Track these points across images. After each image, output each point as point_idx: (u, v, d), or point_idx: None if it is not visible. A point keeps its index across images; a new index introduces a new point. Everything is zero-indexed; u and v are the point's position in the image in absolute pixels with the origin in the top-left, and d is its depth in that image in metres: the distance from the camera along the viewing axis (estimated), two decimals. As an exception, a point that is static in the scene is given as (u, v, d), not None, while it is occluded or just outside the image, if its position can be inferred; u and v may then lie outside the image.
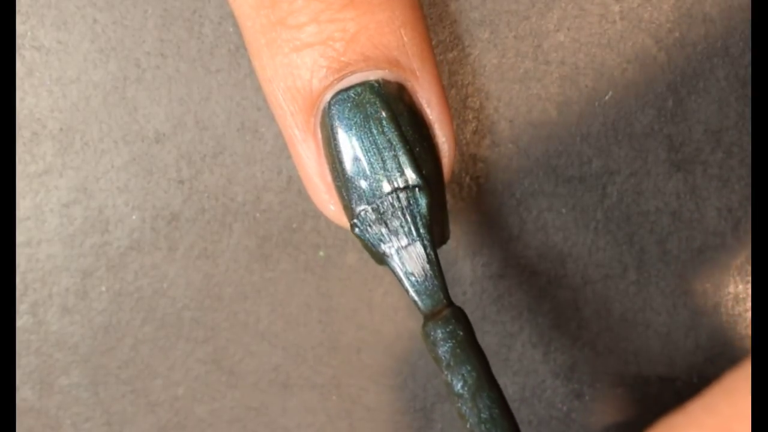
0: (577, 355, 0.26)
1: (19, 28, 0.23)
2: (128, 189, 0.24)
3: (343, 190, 0.21)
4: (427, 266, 0.20)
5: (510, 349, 0.26)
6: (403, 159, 0.20)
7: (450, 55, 0.24)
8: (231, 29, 0.23)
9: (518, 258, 0.25)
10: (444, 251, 0.25)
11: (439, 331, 0.20)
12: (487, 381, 0.20)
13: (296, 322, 0.25)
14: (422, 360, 0.26)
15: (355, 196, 0.21)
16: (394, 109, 0.20)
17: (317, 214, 0.25)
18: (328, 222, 0.25)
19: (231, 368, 0.25)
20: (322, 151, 0.21)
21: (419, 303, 0.21)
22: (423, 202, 0.20)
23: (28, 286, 0.24)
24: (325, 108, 0.20)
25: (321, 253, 0.25)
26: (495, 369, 0.26)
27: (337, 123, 0.20)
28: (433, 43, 0.24)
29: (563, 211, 0.25)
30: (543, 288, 0.25)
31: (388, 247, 0.21)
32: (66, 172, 0.24)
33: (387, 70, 0.20)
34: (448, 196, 0.25)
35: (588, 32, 0.24)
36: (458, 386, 0.20)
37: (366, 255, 0.25)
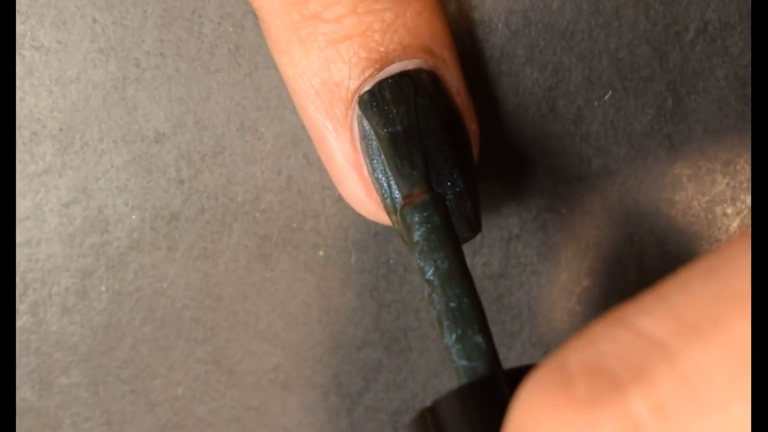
0: (577, 355, 0.26)
1: (19, 28, 0.23)
2: (128, 189, 0.24)
3: (383, 181, 0.21)
4: (414, 151, 0.20)
5: (510, 349, 0.26)
6: (446, 146, 0.20)
7: (450, 55, 0.24)
8: (231, 29, 0.23)
9: (518, 258, 0.25)
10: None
11: (415, 215, 0.20)
12: (458, 270, 0.19)
13: (296, 322, 0.25)
14: (422, 359, 0.26)
15: (396, 186, 0.20)
16: (433, 97, 0.20)
17: (317, 214, 0.25)
18: (328, 222, 0.25)
19: (231, 368, 0.25)
20: (357, 145, 0.21)
21: (400, 184, 0.20)
22: (421, 96, 0.20)
23: (28, 286, 0.24)
24: (364, 99, 0.20)
25: (321, 253, 0.25)
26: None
27: (377, 111, 0.20)
28: (433, 43, 0.24)
29: (563, 211, 0.25)
30: (543, 288, 0.25)
31: (385, 129, 0.20)
32: (66, 172, 0.24)
33: (422, 59, 0.20)
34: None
35: (587, 32, 0.24)
36: (429, 272, 0.19)
37: (366, 255, 0.25)
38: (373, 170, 0.21)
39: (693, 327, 0.13)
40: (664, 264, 0.25)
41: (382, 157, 0.20)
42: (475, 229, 0.21)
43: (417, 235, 0.19)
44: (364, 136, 0.20)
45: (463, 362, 0.18)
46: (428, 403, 0.18)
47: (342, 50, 0.20)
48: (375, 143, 0.20)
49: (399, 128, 0.20)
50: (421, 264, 0.19)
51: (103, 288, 0.25)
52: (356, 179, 0.21)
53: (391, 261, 0.25)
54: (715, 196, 0.25)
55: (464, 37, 0.24)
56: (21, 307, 0.25)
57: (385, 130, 0.20)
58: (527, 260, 0.25)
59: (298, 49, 0.20)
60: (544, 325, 0.26)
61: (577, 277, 0.25)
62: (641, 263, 0.25)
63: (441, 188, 0.20)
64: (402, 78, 0.20)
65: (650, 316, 0.14)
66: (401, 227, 0.20)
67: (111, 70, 0.24)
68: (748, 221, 0.25)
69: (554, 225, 0.25)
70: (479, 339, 0.19)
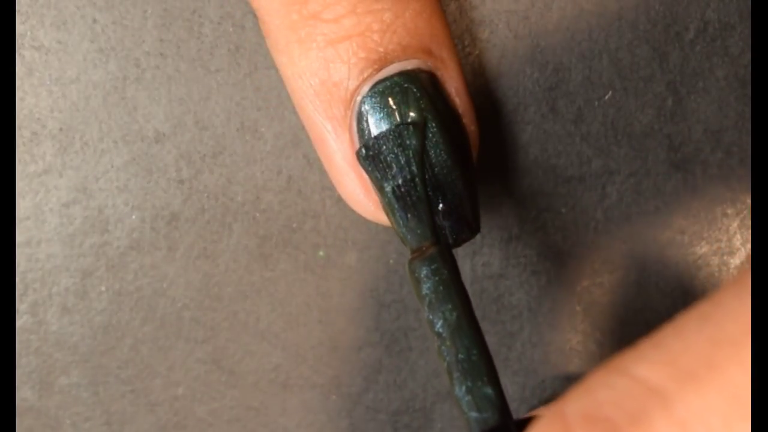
0: (576, 355, 0.26)
1: (19, 28, 0.23)
2: (128, 189, 0.24)
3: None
4: (418, 204, 0.20)
5: (510, 349, 0.26)
6: (442, 147, 0.20)
7: (450, 55, 0.24)
8: (231, 29, 0.23)
9: (518, 258, 0.25)
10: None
11: (423, 268, 0.20)
12: (467, 322, 0.19)
13: (296, 322, 0.25)
14: (422, 359, 0.26)
15: (403, 239, 0.21)
16: (432, 97, 0.20)
17: (317, 214, 0.25)
18: (328, 222, 0.25)
19: (231, 368, 0.25)
20: (356, 145, 0.21)
21: (407, 239, 0.20)
22: (415, 142, 0.20)
23: (28, 286, 0.24)
24: (363, 99, 0.20)
25: (321, 253, 0.25)
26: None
27: (376, 114, 0.20)
28: (433, 43, 0.24)
29: (563, 210, 0.25)
30: (543, 288, 0.25)
31: (386, 183, 0.20)
32: (66, 172, 0.24)
33: (421, 60, 0.20)
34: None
35: (587, 32, 0.24)
36: (438, 325, 0.19)
37: (366, 255, 0.25)
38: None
39: (688, 372, 0.13)
40: (663, 264, 0.25)
41: (387, 208, 0.21)
42: (474, 229, 0.21)
43: (425, 288, 0.20)
44: (363, 135, 0.20)
45: (474, 414, 0.19)
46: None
47: (341, 50, 0.20)
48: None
49: (399, 181, 0.20)
50: (431, 317, 0.20)
51: (103, 288, 0.25)
52: (355, 179, 0.21)
53: (391, 261, 0.25)
54: (715, 196, 0.25)
55: (464, 37, 0.24)
56: (21, 307, 0.25)
57: (386, 184, 0.20)
58: (527, 260, 0.25)
59: (297, 49, 0.20)
60: (544, 325, 0.26)
61: (577, 277, 0.25)
62: (641, 263, 0.25)
63: (441, 190, 0.20)
64: (398, 128, 0.20)
65: (646, 363, 0.14)
66: (410, 280, 0.20)
67: (111, 70, 0.24)
68: (748, 221, 0.25)
69: (554, 225, 0.25)
70: (489, 390, 0.19)
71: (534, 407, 0.26)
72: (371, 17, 0.20)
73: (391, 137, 0.20)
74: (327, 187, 0.24)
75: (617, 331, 0.26)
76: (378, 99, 0.20)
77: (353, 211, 0.22)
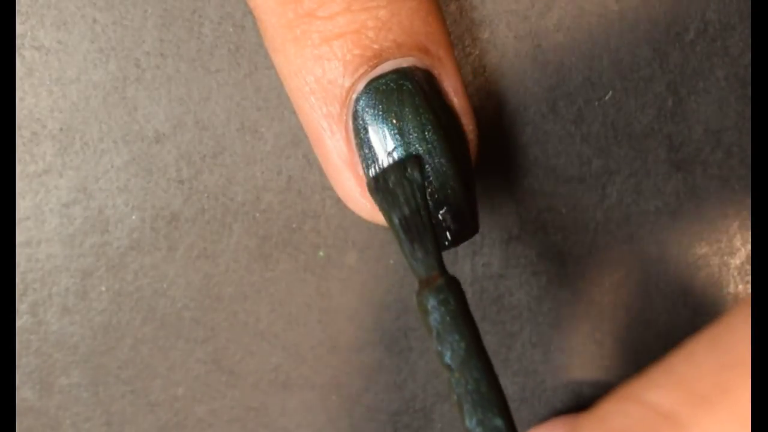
0: (577, 355, 0.26)
1: (19, 28, 0.23)
2: (128, 189, 0.24)
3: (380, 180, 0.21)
4: (424, 234, 0.20)
5: (510, 349, 0.26)
6: (439, 146, 0.20)
7: (450, 55, 0.24)
8: (231, 29, 0.23)
9: (518, 258, 0.25)
10: (444, 251, 0.25)
11: (431, 298, 0.20)
12: (476, 353, 0.19)
13: (296, 322, 0.25)
14: (422, 360, 0.26)
15: (411, 269, 0.20)
16: (428, 95, 0.20)
17: (317, 214, 0.25)
18: (328, 222, 0.25)
19: (231, 368, 0.25)
20: (353, 143, 0.21)
21: (415, 269, 0.20)
22: (417, 174, 0.20)
23: (28, 286, 0.24)
24: (358, 97, 0.20)
25: (321, 253, 0.25)
26: (495, 369, 0.26)
27: (372, 111, 0.20)
28: (433, 43, 0.24)
29: (563, 211, 0.25)
30: (543, 288, 0.25)
31: (394, 215, 0.20)
32: (66, 172, 0.24)
33: (417, 58, 0.20)
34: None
35: (587, 32, 0.24)
36: (447, 356, 0.19)
37: (366, 255, 0.25)
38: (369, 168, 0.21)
39: (701, 397, 0.13)
40: (664, 264, 0.25)
41: (395, 238, 0.21)
42: (473, 228, 0.21)
43: (433, 319, 0.20)
44: (359, 134, 0.20)
45: None
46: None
47: (336, 48, 0.20)
48: (373, 140, 0.20)
49: (407, 212, 0.20)
50: (439, 348, 0.19)
51: (103, 288, 0.25)
52: (351, 178, 0.21)
53: (391, 261, 0.25)
54: (715, 196, 0.25)
55: (465, 37, 0.24)
56: (21, 307, 0.25)
57: (394, 216, 0.20)
58: (527, 260, 0.25)
59: (292, 48, 0.20)
60: (544, 325, 0.26)
61: (577, 277, 0.25)
62: (641, 263, 0.25)
63: (437, 190, 0.20)
64: (404, 161, 0.20)
65: (659, 389, 0.14)
66: (418, 311, 0.20)
67: (111, 70, 0.24)
68: (748, 222, 0.25)
69: (554, 225, 0.25)
70: (499, 422, 0.19)
71: (534, 407, 0.26)
72: (366, 14, 0.20)
73: (397, 169, 0.20)
74: (327, 187, 0.24)
75: (617, 331, 0.26)
76: (373, 97, 0.20)
77: (353, 211, 0.22)
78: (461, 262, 0.25)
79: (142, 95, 0.24)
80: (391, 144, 0.20)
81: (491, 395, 0.19)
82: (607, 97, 0.24)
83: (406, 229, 0.20)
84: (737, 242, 0.25)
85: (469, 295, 0.25)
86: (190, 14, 0.23)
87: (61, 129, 0.24)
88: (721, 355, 0.14)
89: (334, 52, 0.20)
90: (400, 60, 0.20)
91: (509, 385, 0.26)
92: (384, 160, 0.20)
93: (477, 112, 0.24)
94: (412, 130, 0.20)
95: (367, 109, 0.20)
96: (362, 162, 0.21)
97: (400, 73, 0.20)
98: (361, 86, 0.20)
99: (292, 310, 0.25)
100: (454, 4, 0.23)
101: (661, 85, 0.24)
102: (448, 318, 0.19)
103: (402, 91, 0.20)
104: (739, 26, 0.24)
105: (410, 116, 0.20)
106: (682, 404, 0.13)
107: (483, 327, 0.25)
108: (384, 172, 0.20)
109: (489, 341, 0.26)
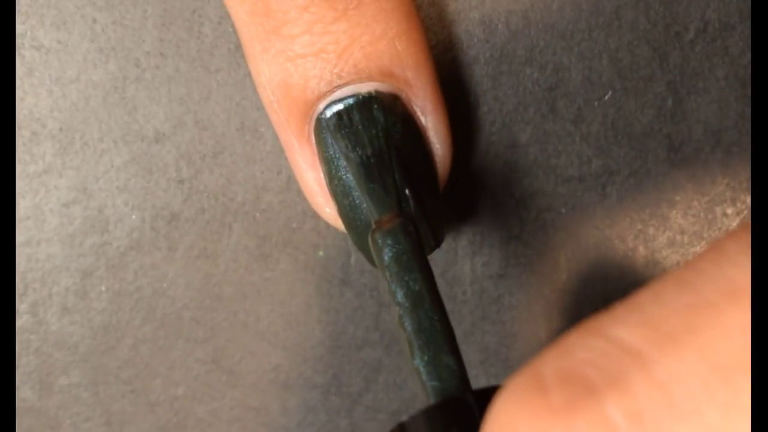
0: (576, 355, 0.26)
1: (19, 28, 0.23)
2: (128, 189, 0.24)
3: (338, 195, 0.21)
4: (385, 175, 0.20)
5: (510, 349, 0.26)
6: (395, 168, 0.20)
7: (449, 55, 0.24)
8: (231, 29, 0.23)
9: (518, 258, 0.25)
10: (444, 251, 0.25)
11: (387, 239, 0.20)
12: (429, 292, 0.19)
13: (296, 322, 0.25)
14: (422, 360, 0.26)
15: (349, 201, 0.21)
16: (386, 120, 0.20)
17: (317, 214, 0.25)
18: (328, 222, 0.25)
19: (231, 368, 0.25)
20: (317, 157, 0.21)
21: (372, 208, 0.20)
22: (383, 118, 0.20)
23: (28, 286, 0.24)
24: (319, 116, 0.20)
25: (321, 253, 0.25)
26: (495, 369, 0.26)
27: (330, 133, 0.20)
28: (433, 43, 0.24)
29: (563, 211, 0.25)
30: (543, 288, 0.25)
31: (354, 153, 0.20)
32: (66, 172, 0.24)
33: (380, 82, 0.20)
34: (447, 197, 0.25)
35: (587, 32, 0.24)
36: (399, 295, 0.19)
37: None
38: (329, 183, 0.21)
39: (667, 335, 0.13)
40: (663, 264, 0.25)
41: (353, 177, 0.21)
42: (440, 242, 0.22)
43: (387, 258, 0.20)
44: (321, 150, 0.21)
45: (434, 383, 0.19)
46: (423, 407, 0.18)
47: (299, 67, 0.20)
48: (344, 162, 0.21)
49: (369, 151, 0.20)
50: (393, 286, 0.20)
51: (103, 288, 0.25)
52: (317, 188, 0.21)
53: (391, 261, 0.25)
54: (715, 196, 0.25)
55: (464, 37, 0.24)
56: (21, 307, 0.25)
57: (355, 153, 0.20)
58: (527, 260, 0.25)
59: (261, 61, 0.20)
60: (544, 325, 0.26)
61: (577, 277, 0.25)
62: (641, 263, 0.25)
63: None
64: (369, 99, 0.20)
65: (624, 326, 0.14)
66: (373, 250, 0.20)
67: (111, 70, 0.24)
68: (748, 221, 0.25)
69: (554, 225, 0.25)
70: (450, 360, 0.19)
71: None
72: (327, 38, 0.20)
73: (362, 109, 0.20)
74: (327, 187, 0.24)
75: (617, 331, 0.26)
76: (333, 119, 0.20)
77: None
78: (461, 262, 0.25)
79: (142, 95, 0.24)
80: (350, 162, 0.20)
81: (443, 334, 0.19)
82: (606, 97, 0.24)
83: (368, 167, 0.20)
84: (737, 242, 0.25)
85: (468, 295, 0.25)
86: (190, 14, 0.23)
87: (60, 129, 0.24)
88: (689, 297, 0.13)
89: (297, 71, 0.20)
90: (359, 85, 0.20)
91: (509, 385, 0.26)
92: (345, 178, 0.20)
93: (477, 111, 0.24)
94: (367, 152, 0.20)
95: (326, 130, 0.20)
96: (325, 177, 0.21)
97: (359, 98, 0.20)
98: (321, 106, 0.20)
99: (292, 310, 0.25)
100: (454, 4, 0.23)
101: (661, 85, 0.24)
102: (404, 257, 0.19)
103: (358, 116, 0.20)
104: (739, 26, 0.24)
105: (366, 139, 0.20)
106: (647, 342, 0.13)
107: (483, 327, 0.25)
108: (348, 111, 0.20)
109: (489, 341, 0.26)
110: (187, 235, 0.24)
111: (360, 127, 0.20)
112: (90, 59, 0.23)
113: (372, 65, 0.20)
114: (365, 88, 0.20)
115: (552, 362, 0.14)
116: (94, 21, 0.23)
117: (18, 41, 0.23)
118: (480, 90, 0.24)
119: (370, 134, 0.20)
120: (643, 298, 0.14)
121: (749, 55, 0.24)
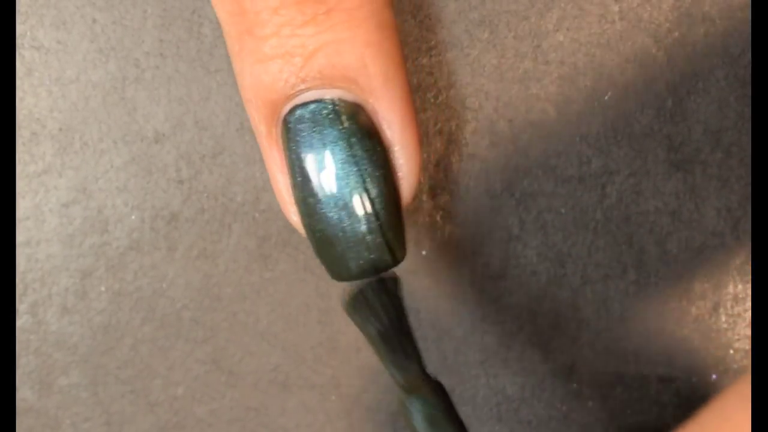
0: (576, 355, 0.26)
1: (19, 28, 0.23)
2: (127, 189, 0.24)
3: (299, 202, 0.21)
4: (405, 343, 0.21)
5: (510, 349, 0.26)
6: (353, 179, 0.20)
7: (449, 55, 0.24)
8: (230, 29, 0.23)
9: (518, 258, 0.25)
10: (444, 251, 0.25)
11: (416, 402, 0.20)
12: None
13: (296, 322, 0.25)
14: (422, 360, 0.26)
15: (309, 209, 0.21)
16: (347, 128, 0.20)
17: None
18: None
19: (230, 368, 0.25)
20: (285, 161, 0.21)
21: (396, 375, 0.21)
22: (398, 292, 0.21)
23: (27, 286, 0.24)
24: (285, 119, 0.20)
25: (320, 253, 0.25)
26: (495, 369, 0.26)
27: (292, 136, 0.20)
28: (432, 43, 0.24)
29: (562, 211, 0.25)
30: (543, 288, 0.25)
31: (371, 327, 0.21)
32: (65, 172, 0.24)
33: (344, 90, 0.20)
34: (447, 197, 0.25)
35: (587, 32, 0.24)
36: None
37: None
38: (293, 187, 0.21)
39: None
40: (664, 264, 0.25)
41: (374, 348, 0.21)
42: (398, 259, 0.22)
43: (417, 423, 0.20)
44: (289, 155, 0.21)
45: None
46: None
47: (268, 68, 0.20)
48: (293, 163, 0.21)
49: (386, 323, 0.21)
50: None
51: (103, 288, 0.25)
52: (285, 193, 0.21)
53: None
54: (715, 197, 0.25)
55: (464, 37, 0.24)
56: (21, 307, 0.25)
57: (374, 329, 0.21)
58: (527, 260, 0.25)
59: (238, 61, 0.20)
60: (544, 325, 0.26)
61: (577, 276, 0.25)
62: (641, 263, 0.25)
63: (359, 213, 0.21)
64: (382, 281, 0.21)
65: None
66: (403, 413, 0.21)
67: (111, 70, 0.24)
68: (748, 224, 0.25)
69: (554, 225, 0.25)
70: None
71: (534, 407, 0.26)
72: (294, 41, 0.20)
73: (375, 287, 0.21)
74: (327, 187, 0.24)
75: (616, 330, 0.26)
76: (295, 123, 0.20)
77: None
78: (461, 262, 0.25)
79: (141, 95, 0.24)
80: (310, 169, 0.20)
81: None
82: (606, 97, 0.24)
83: (386, 339, 0.21)
84: (737, 242, 0.25)
85: (468, 295, 0.25)
86: (190, 14, 0.23)
87: (60, 129, 0.24)
88: None
89: (266, 72, 0.20)
90: (323, 91, 0.20)
91: (509, 386, 0.26)
92: (303, 184, 0.20)
93: (476, 112, 0.24)
94: (326, 159, 0.20)
95: (289, 132, 0.20)
96: (292, 180, 0.21)
97: (321, 104, 0.20)
98: (286, 109, 0.20)
99: (292, 310, 0.25)
100: (454, 4, 0.23)
101: (661, 85, 0.24)
102: (434, 422, 0.20)
103: (319, 121, 0.20)
104: (739, 26, 0.24)
105: (326, 147, 0.20)
106: None
107: (483, 327, 0.25)
108: (361, 291, 0.21)
109: (489, 341, 0.26)
110: (187, 235, 0.24)
111: (377, 304, 0.20)
112: (90, 59, 0.23)
113: (336, 72, 0.20)
114: (329, 94, 0.20)
115: None
116: (94, 21, 0.23)
117: (18, 41, 0.23)
118: (480, 90, 0.24)
119: (385, 306, 0.21)
120: (709, 416, 0.15)
121: (749, 55, 0.24)
